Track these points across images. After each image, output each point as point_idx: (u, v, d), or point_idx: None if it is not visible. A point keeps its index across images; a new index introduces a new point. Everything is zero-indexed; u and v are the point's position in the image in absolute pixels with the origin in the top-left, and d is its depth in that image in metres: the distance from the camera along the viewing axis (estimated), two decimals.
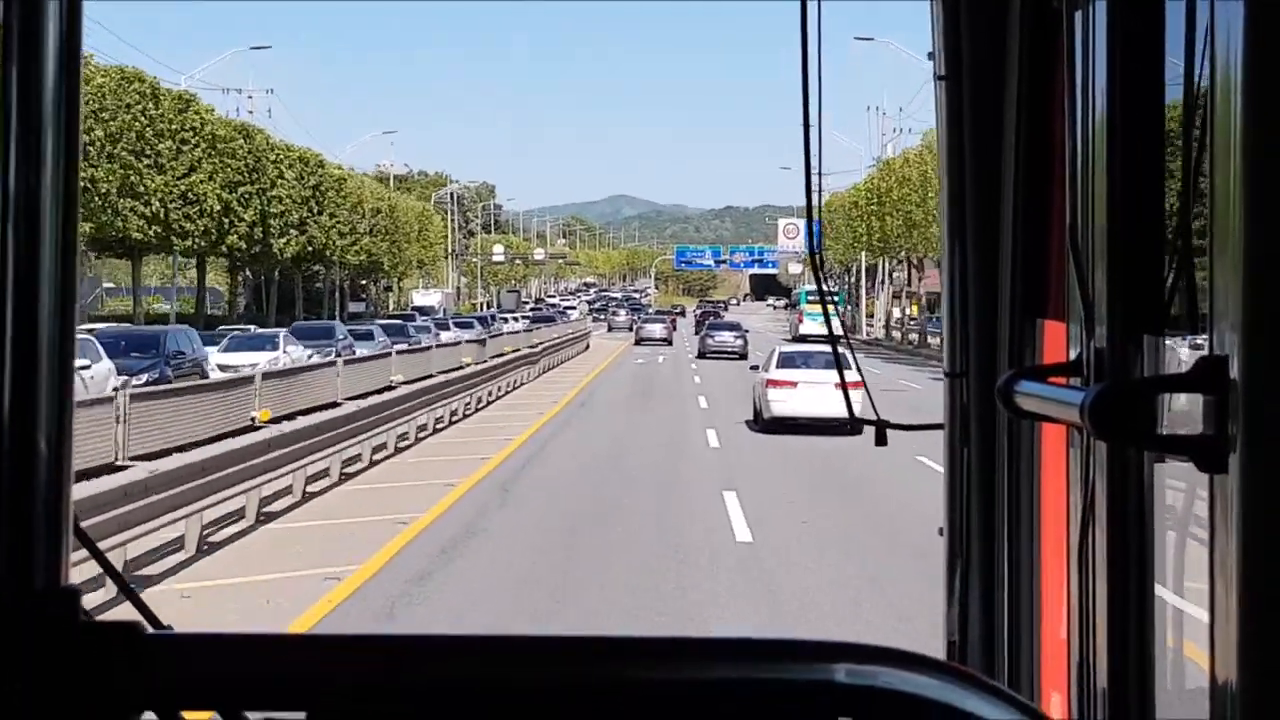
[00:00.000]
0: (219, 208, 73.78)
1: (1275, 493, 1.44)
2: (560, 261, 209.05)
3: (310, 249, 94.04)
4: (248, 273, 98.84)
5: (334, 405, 31.88)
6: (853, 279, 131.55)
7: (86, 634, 1.47)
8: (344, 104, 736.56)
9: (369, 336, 63.79)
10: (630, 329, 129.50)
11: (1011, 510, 3.23)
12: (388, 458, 29.63)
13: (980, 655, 3.35)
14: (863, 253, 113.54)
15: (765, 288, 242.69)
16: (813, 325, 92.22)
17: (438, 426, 35.62)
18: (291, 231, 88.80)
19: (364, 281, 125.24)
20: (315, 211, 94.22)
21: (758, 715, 1.46)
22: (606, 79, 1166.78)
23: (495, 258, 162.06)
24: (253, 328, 62.86)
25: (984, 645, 3.35)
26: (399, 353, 47.62)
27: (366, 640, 1.52)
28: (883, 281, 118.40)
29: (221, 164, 74.42)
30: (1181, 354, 2.01)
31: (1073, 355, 2.41)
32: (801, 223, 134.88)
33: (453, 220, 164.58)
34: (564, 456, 30.95)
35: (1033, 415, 2.32)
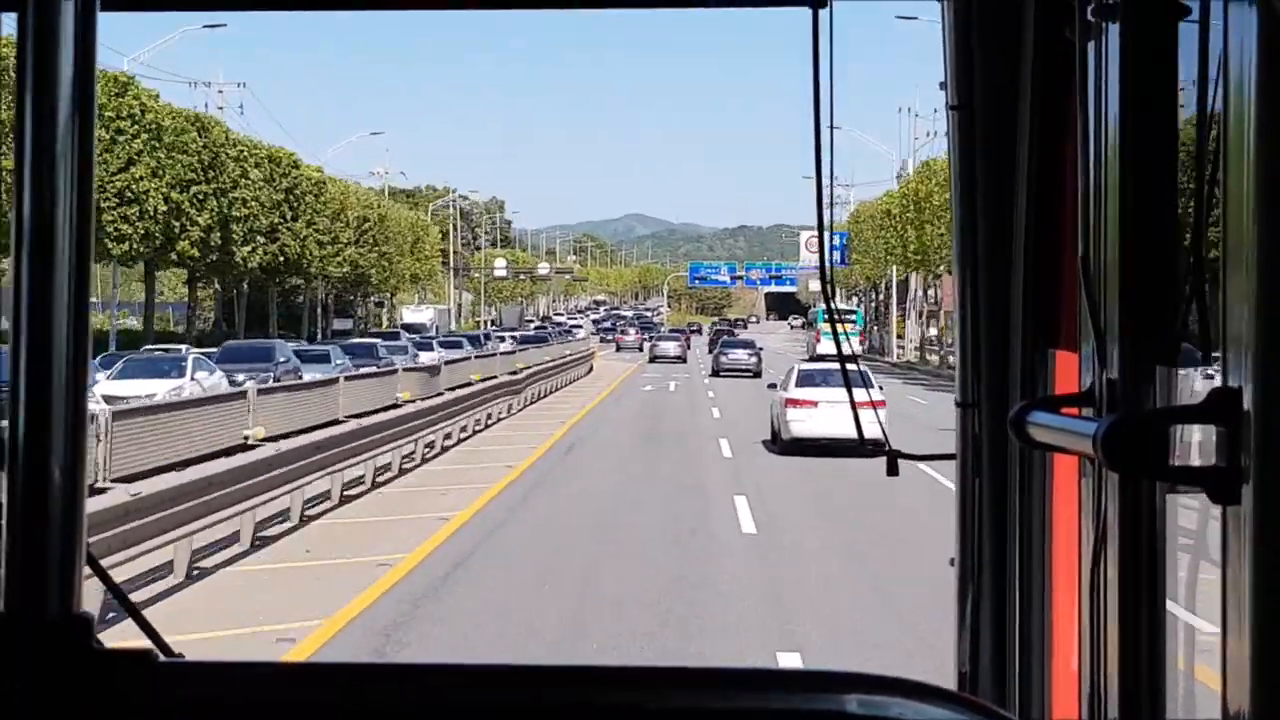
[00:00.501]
0: (164, 208, 62.52)
1: None
2: (568, 278, 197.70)
3: (283, 259, 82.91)
4: (217, 285, 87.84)
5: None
6: (881, 296, 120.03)
7: (99, 660, 1.48)
8: (344, 117, 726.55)
9: (323, 359, 52.60)
10: (641, 349, 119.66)
11: (1023, 540, 3.21)
12: None
13: (991, 685, 3.30)
14: (894, 267, 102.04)
15: (782, 306, 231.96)
16: (831, 345, 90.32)
17: (307, 512, 22.57)
18: (258, 239, 77.65)
19: (353, 296, 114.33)
20: (288, 218, 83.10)
21: None
22: (619, 98, 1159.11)
23: (497, 272, 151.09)
24: (188, 348, 51.80)
25: (995, 675, 3.30)
26: (346, 378, 35.74)
27: (374, 669, 1.51)
28: (916, 298, 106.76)
29: (169, 159, 63.21)
30: (1194, 385, 1.96)
31: (1085, 385, 2.38)
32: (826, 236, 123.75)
33: (455, 233, 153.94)
34: (497, 582, 17.78)
35: (1045, 446, 2.33)
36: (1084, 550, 2.46)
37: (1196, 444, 1.77)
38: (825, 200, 3.27)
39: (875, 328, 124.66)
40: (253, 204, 76.72)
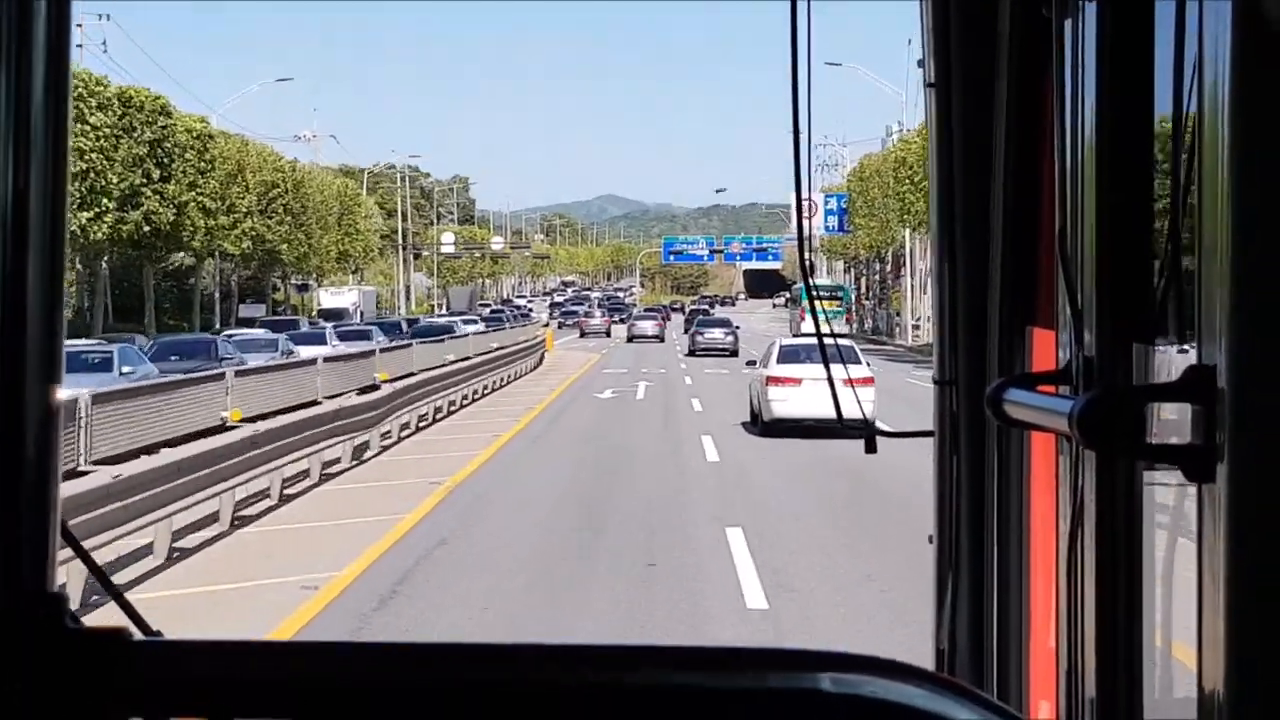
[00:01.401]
0: None
1: (1263, 501, 1.44)
2: (528, 255, 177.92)
3: (150, 229, 63.51)
4: (79, 265, 68.47)
5: None
6: (887, 267, 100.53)
7: (73, 639, 1.46)
8: (306, 95, 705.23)
9: (104, 366, 33.56)
10: (608, 333, 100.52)
11: (1001, 518, 3.19)
12: None
13: (969, 663, 3.29)
14: (906, 231, 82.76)
15: (763, 284, 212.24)
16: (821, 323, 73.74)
17: None
18: (105, 202, 58.23)
19: (272, 278, 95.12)
20: (156, 178, 63.61)
21: None
22: (590, 78, 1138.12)
23: (445, 248, 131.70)
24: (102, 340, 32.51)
25: (973, 653, 3.29)
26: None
27: (353, 647, 1.53)
28: (929, 270, 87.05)
29: None
30: (1171, 362, 1.96)
31: (1062, 363, 2.39)
32: (820, 198, 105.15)
33: (404, 204, 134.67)
34: None
35: (1022, 424, 2.31)
36: (1061, 527, 2.44)
37: (1172, 422, 1.74)
38: (804, 171, 3.24)
39: (878, 306, 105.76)
40: (96, 157, 57.44)
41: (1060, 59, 2.36)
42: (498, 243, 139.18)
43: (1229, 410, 1.46)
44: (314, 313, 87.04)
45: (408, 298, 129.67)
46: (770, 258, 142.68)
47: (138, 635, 1.50)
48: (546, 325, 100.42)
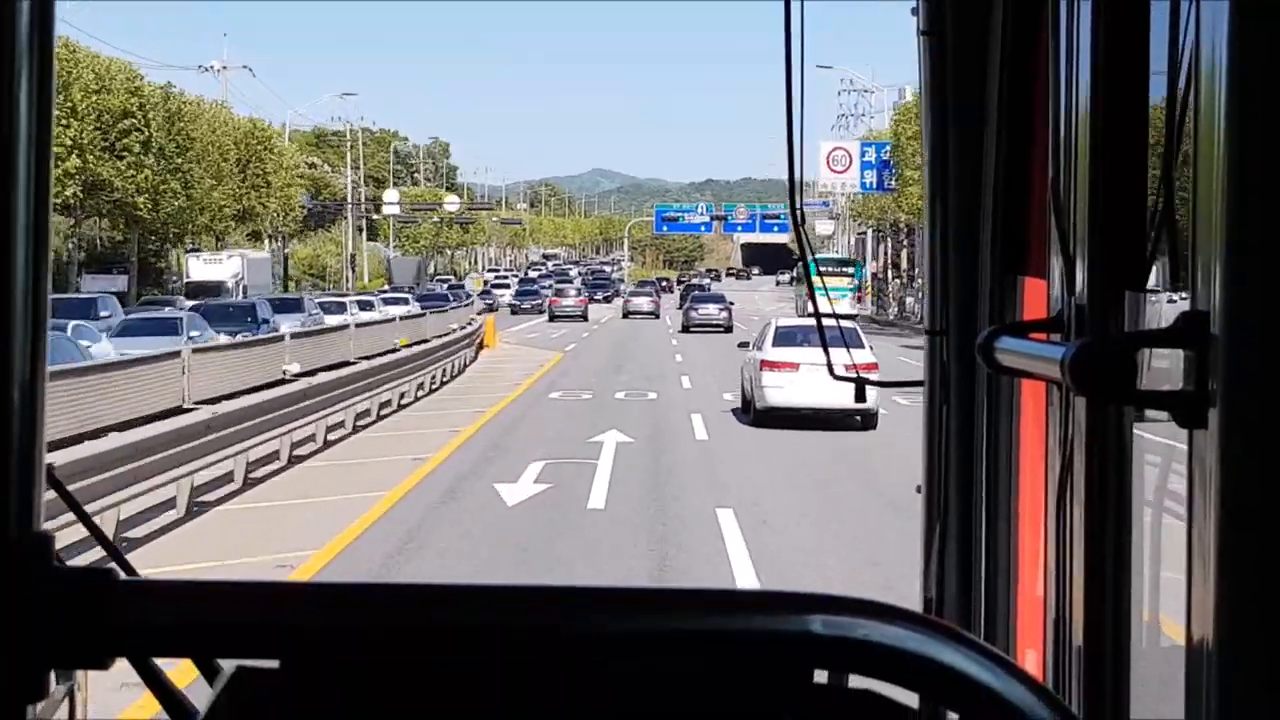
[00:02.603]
0: None
1: (1254, 448, 1.43)
2: (498, 223, 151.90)
3: None
4: None
5: None
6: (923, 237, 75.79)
7: (57, 580, 1.43)
8: (302, 63, 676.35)
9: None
10: (583, 317, 76.53)
11: (990, 468, 3.18)
12: None
13: (957, 612, 3.27)
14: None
15: (763, 258, 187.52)
16: (823, 302, 47.24)
17: None
18: None
19: (157, 240, 71.05)
20: None
21: (732, 666, 1.44)
22: (581, 49, 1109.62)
23: (386, 208, 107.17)
24: None
25: (961, 602, 3.28)
26: None
27: (340, 588, 1.49)
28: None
29: None
30: (1163, 310, 1.93)
31: (1054, 311, 2.37)
32: (856, 148, 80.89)
33: (351, 165, 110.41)
34: None
35: (1013, 371, 2.28)
36: (1050, 477, 2.43)
37: (1164, 369, 1.71)
38: (796, 144, 3.17)
39: (908, 285, 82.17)
40: None
41: (1056, 5, 2.32)
42: (452, 203, 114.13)
43: (1222, 356, 1.44)
44: (184, 284, 62.81)
45: (353, 269, 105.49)
46: (777, 229, 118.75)
47: (123, 576, 1.47)
48: (491, 308, 76.48)
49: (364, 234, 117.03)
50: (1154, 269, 2.00)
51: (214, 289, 59.06)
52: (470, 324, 51.73)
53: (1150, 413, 1.96)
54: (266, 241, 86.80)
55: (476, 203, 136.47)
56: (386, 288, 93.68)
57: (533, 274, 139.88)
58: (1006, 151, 2.99)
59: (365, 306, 60.70)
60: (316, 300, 59.14)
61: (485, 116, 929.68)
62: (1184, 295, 1.64)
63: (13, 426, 1.45)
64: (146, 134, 62.41)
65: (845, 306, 77.02)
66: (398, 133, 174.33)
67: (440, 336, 43.55)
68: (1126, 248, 2.08)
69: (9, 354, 1.44)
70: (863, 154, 79.94)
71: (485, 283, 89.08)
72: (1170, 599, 1.94)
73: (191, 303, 48.69)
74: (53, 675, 1.46)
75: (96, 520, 2.30)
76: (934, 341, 3.31)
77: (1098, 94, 2.14)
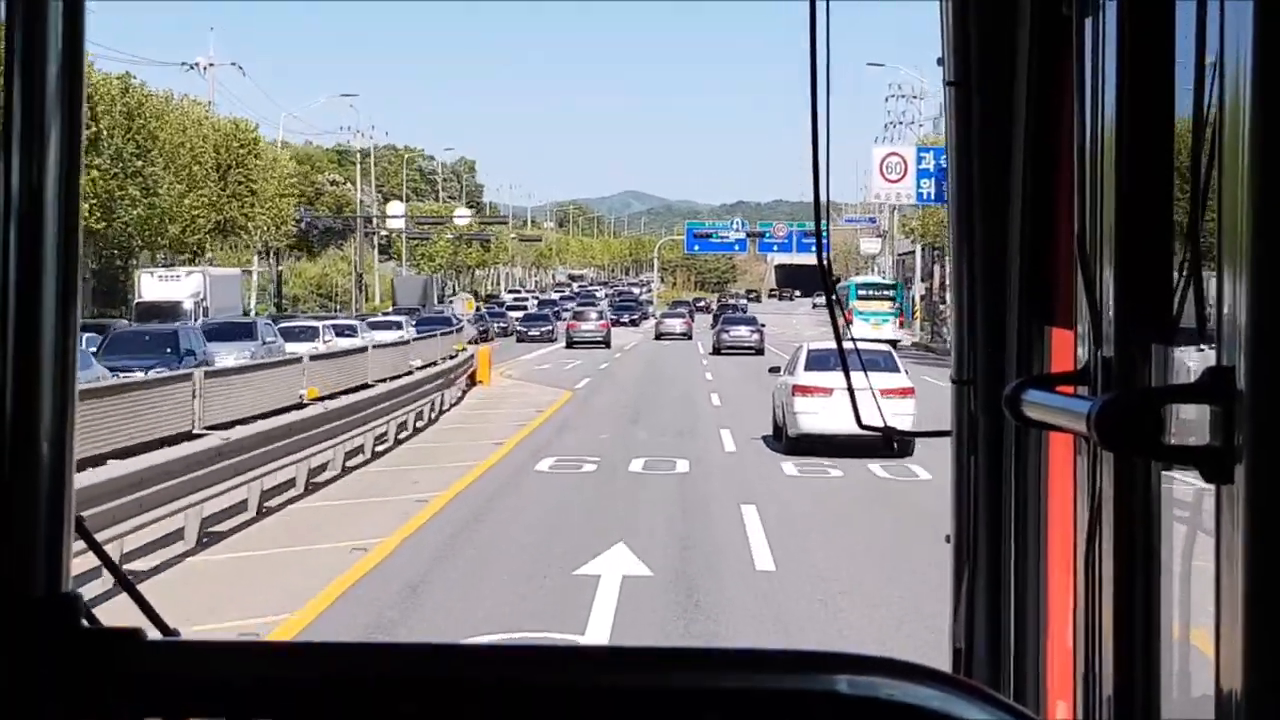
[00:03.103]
0: None
1: None
2: (517, 239, 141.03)
3: None
4: None
5: None
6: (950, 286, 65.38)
7: (87, 639, 1.44)
8: (316, 73, 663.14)
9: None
10: (605, 343, 66.54)
11: (1019, 519, 3.13)
12: None
13: (986, 664, 3.22)
14: None
15: (798, 280, 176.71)
16: (865, 327, 64.14)
17: None
18: None
19: (115, 254, 61.57)
20: None
21: None
22: (615, 73, 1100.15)
23: (391, 222, 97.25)
24: None
25: (990, 654, 3.22)
26: None
27: (372, 648, 1.53)
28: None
29: None
30: (1189, 364, 1.92)
31: (1080, 363, 2.35)
32: (912, 154, 70.61)
33: (361, 178, 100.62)
34: None
35: (1040, 424, 2.26)
36: (1079, 528, 2.40)
37: (1191, 423, 1.68)
38: (822, 165, 3.13)
39: (927, 302, 73.23)
40: None
41: (1080, 57, 2.32)
42: (463, 216, 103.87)
43: (1248, 411, 1.43)
44: (135, 305, 52.85)
45: (360, 288, 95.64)
46: (810, 250, 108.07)
47: (154, 634, 1.47)
48: (503, 333, 66.22)
49: (375, 251, 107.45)
50: (1180, 320, 1.99)
51: (169, 310, 49.15)
52: (451, 358, 41.60)
53: (1178, 465, 1.92)
54: (256, 258, 76.91)
55: (490, 217, 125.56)
56: (391, 309, 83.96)
57: (554, 295, 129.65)
58: (1033, 202, 2.97)
59: (345, 332, 50.68)
60: (282, 325, 49.21)
61: (516, 138, 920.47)
62: (1211, 347, 1.63)
63: (40, 485, 1.44)
64: (94, 129, 52.63)
65: (888, 332, 68.42)
66: (423, 150, 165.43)
67: (397, 378, 33.39)
68: (1153, 300, 2.05)
69: (36, 415, 1.43)
70: (919, 160, 69.76)
71: (480, 305, 78.47)
72: (1200, 650, 1.91)
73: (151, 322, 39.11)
74: None
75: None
76: (961, 390, 3.26)
77: (1123, 145, 2.11)
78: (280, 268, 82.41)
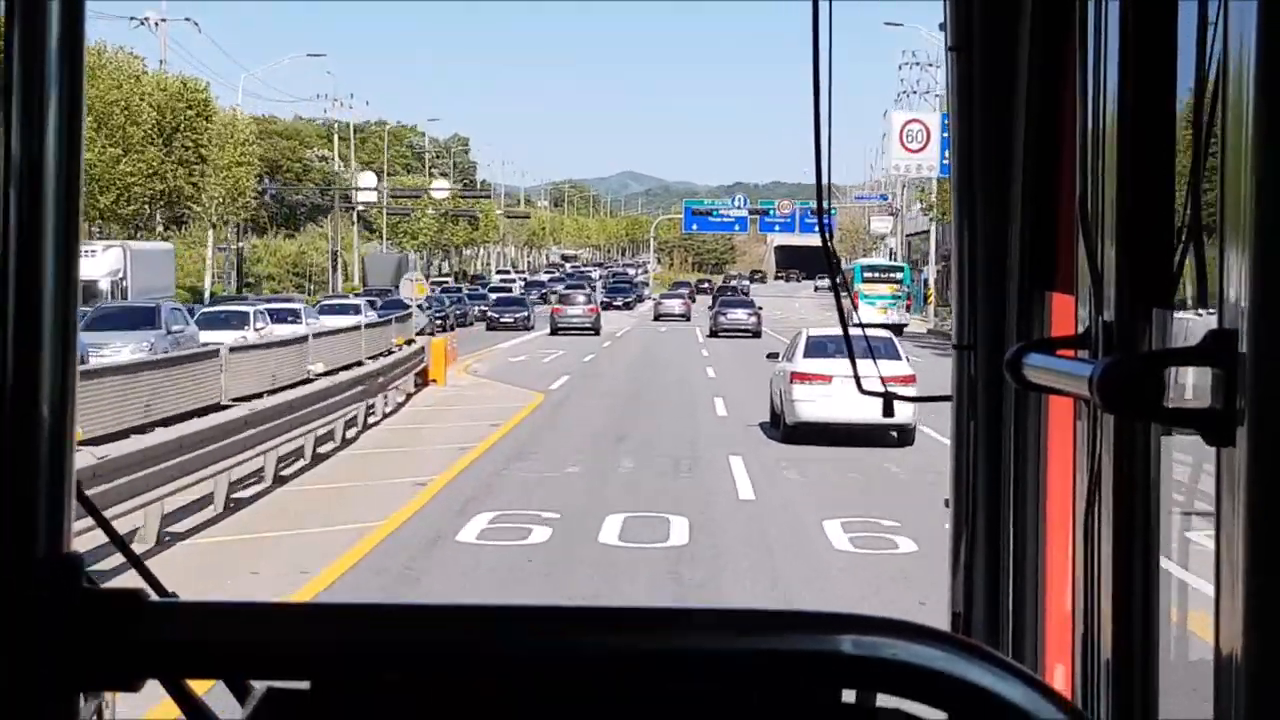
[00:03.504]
0: None
1: None
2: (505, 216, 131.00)
3: None
4: None
5: None
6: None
7: (88, 602, 1.43)
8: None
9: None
10: (594, 329, 58.73)
11: (1018, 483, 3.13)
12: None
13: (985, 627, 3.21)
14: None
15: (800, 262, 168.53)
16: (871, 311, 59.64)
17: None
18: None
19: None
20: None
21: (762, 686, 1.43)
22: (614, 53, 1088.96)
23: (363, 195, 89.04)
24: None
25: (988, 617, 3.21)
26: None
27: (371, 609, 1.50)
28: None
29: None
30: (1191, 327, 1.91)
31: (1081, 328, 2.33)
32: (935, 120, 62.74)
33: (345, 151, 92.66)
34: None
35: (1041, 388, 2.26)
36: (1078, 492, 2.41)
37: (1192, 386, 1.70)
38: (824, 142, 3.09)
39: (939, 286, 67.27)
40: None
41: (1083, 22, 2.29)
42: (441, 189, 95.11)
43: (1250, 374, 1.42)
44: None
45: (337, 267, 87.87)
46: (813, 230, 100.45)
47: (153, 597, 1.48)
48: (444, 327, 57.74)
49: (356, 228, 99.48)
50: (1181, 285, 1.97)
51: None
52: (387, 354, 33.60)
53: (1178, 428, 1.92)
54: (211, 233, 68.93)
55: (471, 190, 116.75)
56: (361, 290, 76.06)
57: (544, 276, 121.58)
58: (1034, 168, 2.96)
59: (286, 318, 42.75)
60: (206, 310, 41.25)
61: (512, 117, 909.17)
62: (1212, 311, 1.61)
63: (41, 448, 1.44)
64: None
65: (897, 315, 64.43)
66: (414, 127, 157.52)
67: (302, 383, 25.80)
68: (1154, 264, 2.04)
69: (38, 374, 1.43)
70: (944, 128, 61.82)
71: (433, 290, 70.08)
72: (1198, 614, 1.89)
73: None
74: (82, 697, 1.45)
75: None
76: (961, 356, 3.27)
77: (1125, 110, 2.10)
78: (240, 244, 74.26)
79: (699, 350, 51.62)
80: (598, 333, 62.80)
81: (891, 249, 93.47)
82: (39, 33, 1.40)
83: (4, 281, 1.43)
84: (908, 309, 71.04)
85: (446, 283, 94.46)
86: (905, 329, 62.76)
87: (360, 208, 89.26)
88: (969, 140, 3.15)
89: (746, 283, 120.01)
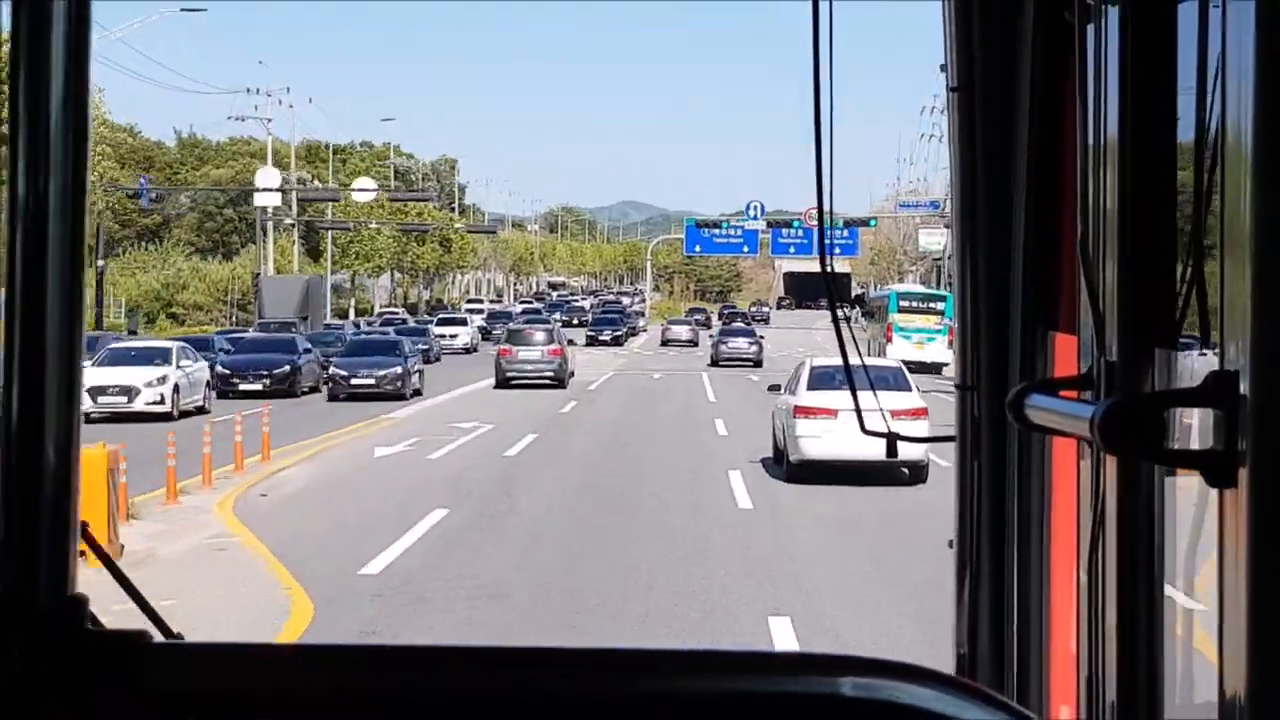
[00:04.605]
0: None
1: None
2: (468, 232, 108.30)
3: None
4: None
5: None
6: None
7: (92, 644, 1.41)
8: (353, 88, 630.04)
9: None
10: (555, 379, 38.85)
11: (1022, 523, 3.07)
12: None
13: (990, 667, 3.13)
14: None
15: (810, 290, 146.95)
16: (906, 347, 52.02)
17: None
18: None
19: None
20: None
21: None
22: (613, 83, 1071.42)
23: (260, 198, 68.16)
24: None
25: (993, 657, 3.13)
26: None
27: (374, 651, 1.51)
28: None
29: None
30: (1193, 368, 1.90)
31: (1083, 368, 2.32)
32: None
33: (280, 158, 72.20)
34: None
35: (1043, 429, 2.25)
36: (1082, 533, 2.38)
37: (1194, 427, 1.68)
38: (825, 166, 3.03)
39: None
40: None
41: (1083, 63, 2.29)
42: (366, 190, 73.42)
43: (1251, 415, 1.41)
44: None
45: (260, 294, 67.35)
46: (840, 250, 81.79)
47: (158, 637, 1.44)
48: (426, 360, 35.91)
49: (296, 248, 79.14)
50: (1183, 327, 1.93)
51: None
52: None
53: (1181, 469, 1.89)
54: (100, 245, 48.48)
55: (412, 190, 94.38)
56: (256, 323, 55.88)
57: (516, 307, 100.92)
58: (1036, 207, 2.92)
59: None
60: None
61: (509, 145, 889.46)
62: (1214, 352, 1.59)
63: (45, 491, 1.41)
64: None
65: (936, 352, 52.87)
66: (398, 147, 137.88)
67: None
68: (1156, 305, 2.01)
69: (41, 422, 1.40)
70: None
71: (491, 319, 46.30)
72: (1202, 654, 1.88)
73: None
74: None
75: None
76: (964, 396, 3.19)
77: (1125, 149, 2.07)
78: (100, 263, 54.18)
79: (709, 425, 31.08)
80: (562, 384, 42.34)
81: (944, 269, 73.61)
82: (44, 43, 1.37)
83: (10, 329, 1.39)
84: (950, 345, 52.00)
85: (398, 315, 74.32)
86: (946, 368, 45.29)
87: (268, 215, 68.25)
88: (971, 180, 3.09)
89: (766, 309, 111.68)
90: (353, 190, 72.32)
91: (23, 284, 1.39)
